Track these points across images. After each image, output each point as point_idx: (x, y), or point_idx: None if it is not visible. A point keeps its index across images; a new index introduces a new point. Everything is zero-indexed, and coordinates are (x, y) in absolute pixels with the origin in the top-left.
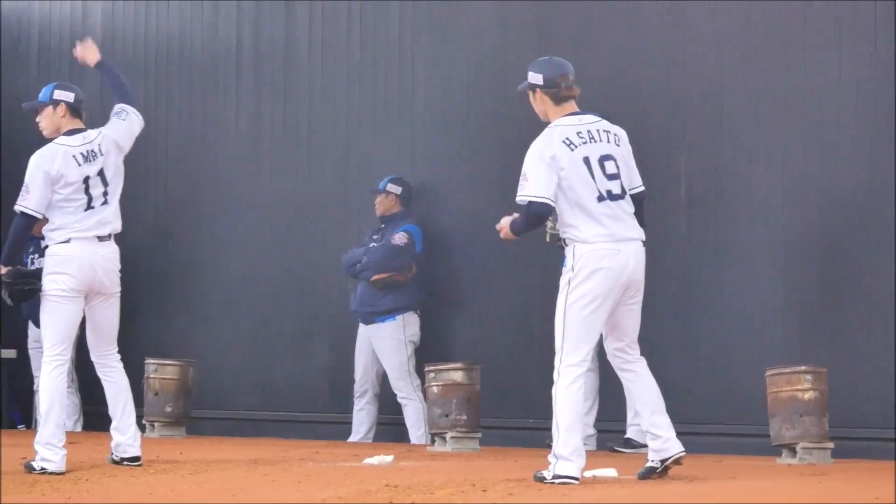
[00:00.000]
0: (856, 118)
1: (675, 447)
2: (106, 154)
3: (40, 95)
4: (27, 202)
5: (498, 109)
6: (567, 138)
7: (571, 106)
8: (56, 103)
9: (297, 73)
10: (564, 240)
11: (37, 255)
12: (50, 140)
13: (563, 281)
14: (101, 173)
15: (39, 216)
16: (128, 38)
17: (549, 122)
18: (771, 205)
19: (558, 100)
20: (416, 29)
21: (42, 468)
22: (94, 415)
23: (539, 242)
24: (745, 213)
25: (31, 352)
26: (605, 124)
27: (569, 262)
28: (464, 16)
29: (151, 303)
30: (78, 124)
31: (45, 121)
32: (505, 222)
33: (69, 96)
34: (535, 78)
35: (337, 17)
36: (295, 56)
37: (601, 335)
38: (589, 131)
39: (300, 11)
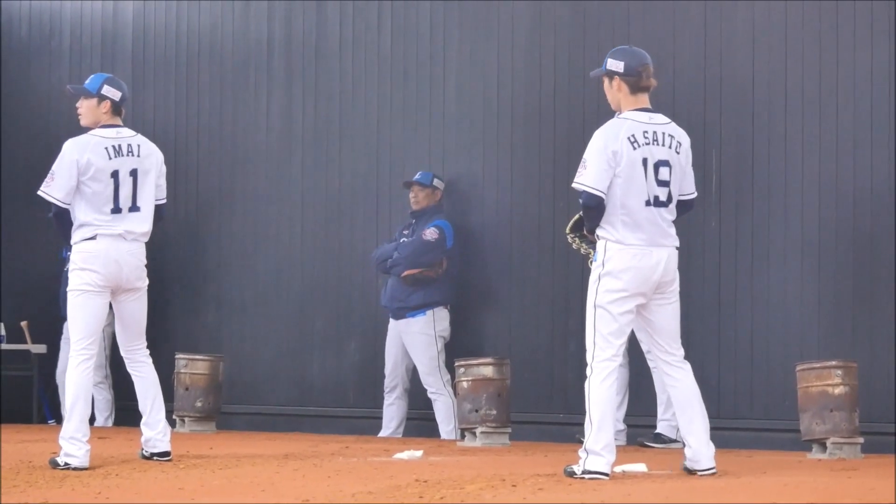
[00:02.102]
0: (888, 114)
1: (705, 462)
2: (143, 158)
3: (88, 83)
4: (51, 189)
5: (529, 105)
6: (633, 135)
7: (645, 100)
8: (102, 98)
9: (328, 70)
10: (598, 235)
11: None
12: (84, 128)
13: (592, 276)
14: (133, 174)
15: (63, 205)
16: (159, 35)
17: (618, 112)
18: (804, 201)
19: (636, 89)
20: (447, 25)
21: (66, 463)
22: (125, 410)
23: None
24: (777, 208)
25: (63, 346)
26: (673, 128)
27: (599, 257)
28: (495, 12)
29: (182, 298)
30: (117, 121)
31: (86, 111)
32: None
33: (116, 94)
34: (615, 65)
35: (368, 13)
36: (326, 52)
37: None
38: (655, 132)
39: (331, 8)
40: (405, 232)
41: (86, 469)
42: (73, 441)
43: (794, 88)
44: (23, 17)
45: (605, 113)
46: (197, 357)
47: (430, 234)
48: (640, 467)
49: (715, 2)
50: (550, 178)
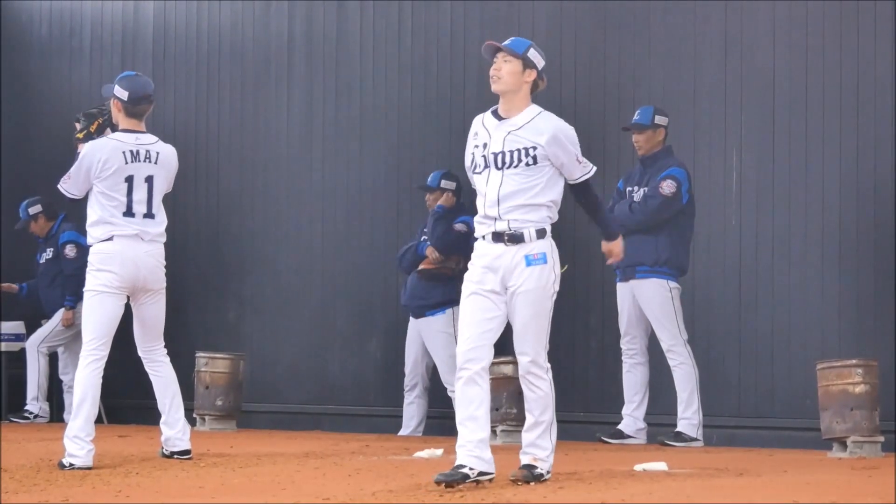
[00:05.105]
0: None
1: None
2: (160, 166)
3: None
4: (67, 185)
5: (550, 105)
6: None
7: None
8: (113, 98)
9: (349, 69)
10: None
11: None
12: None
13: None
14: (149, 180)
15: (77, 198)
16: (179, 34)
17: (521, 90)
18: (824, 199)
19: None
20: (467, 24)
21: (70, 463)
22: (144, 409)
23: (592, 233)
24: (797, 206)
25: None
26: None
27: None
28: (516, 11)
29: (203, 296)
30: (134, 125)
31: (113, 113)
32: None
33: (123, 94)
34: (539, 62)
35: (388, 12)
36: (346, 51)
37: (651, 329)
38: None
39: (352, 7)
40: (426, 230)
41: (90, 469)
42: (76, 440)
43: (815, 87)
44: (43, 16)
45: (626, 112)
46: (217, 356)
47: (460, 227)
48: (661, 466)
49: (736, 1)
50: None
